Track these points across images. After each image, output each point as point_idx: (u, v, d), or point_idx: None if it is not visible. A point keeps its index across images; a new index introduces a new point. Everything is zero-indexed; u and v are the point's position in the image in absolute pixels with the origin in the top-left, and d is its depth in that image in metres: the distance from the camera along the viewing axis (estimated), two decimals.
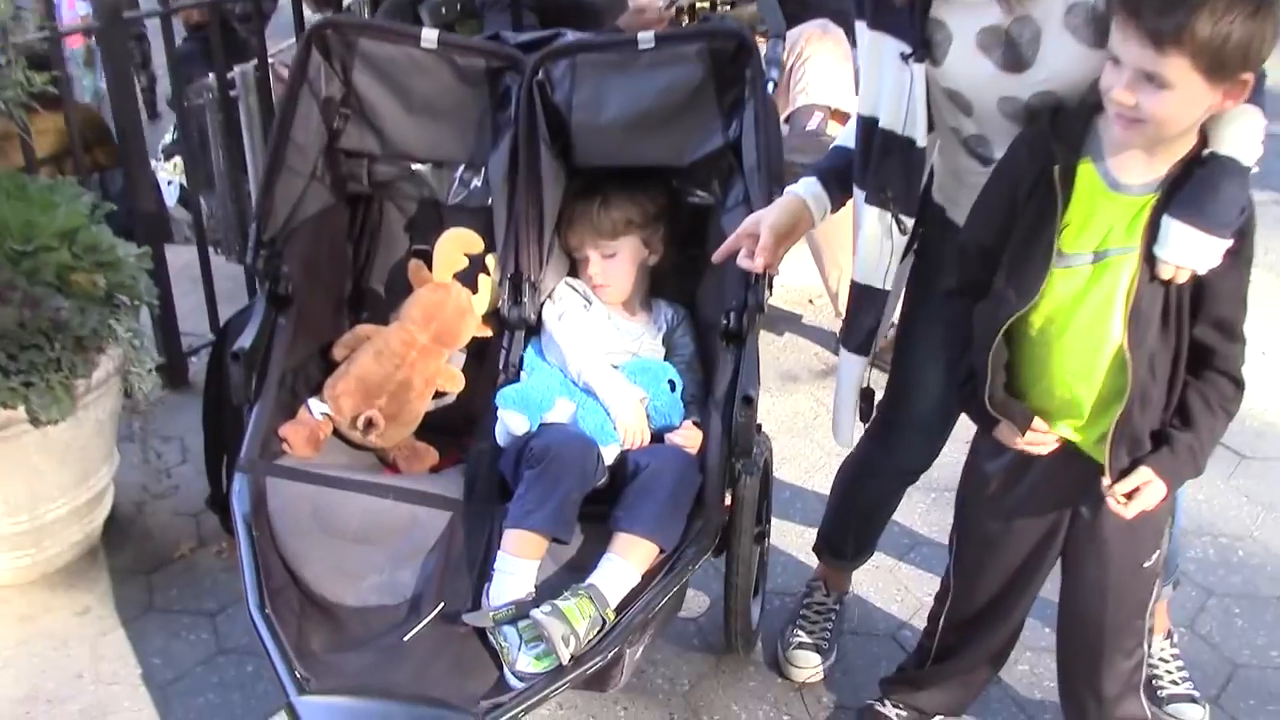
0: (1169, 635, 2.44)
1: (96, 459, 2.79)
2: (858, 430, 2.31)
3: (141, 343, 2.75)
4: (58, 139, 4.57)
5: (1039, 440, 1.89)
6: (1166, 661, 2.40)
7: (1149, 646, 2.13)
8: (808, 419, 3.45)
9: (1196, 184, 1.71)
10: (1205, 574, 2.78)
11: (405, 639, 1.99)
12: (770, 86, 2.32)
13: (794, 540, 2.89)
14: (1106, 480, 1.83)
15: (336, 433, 2.31)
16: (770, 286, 2.17)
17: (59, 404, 2.53)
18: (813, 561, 2.70)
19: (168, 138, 5.67)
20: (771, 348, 3.80)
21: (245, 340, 2.21)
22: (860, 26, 1.95)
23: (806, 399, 3.55)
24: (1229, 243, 1.71)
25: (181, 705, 2.44)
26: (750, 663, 2.55)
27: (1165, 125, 1.66)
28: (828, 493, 2.61)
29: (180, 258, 3.65)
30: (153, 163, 4.92)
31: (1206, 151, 1.72)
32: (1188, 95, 1.63)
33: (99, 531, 2.89)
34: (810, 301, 4.04)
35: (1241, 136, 1.72)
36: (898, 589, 2.77)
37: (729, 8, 3.92)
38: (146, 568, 2.84)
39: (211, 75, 3.76)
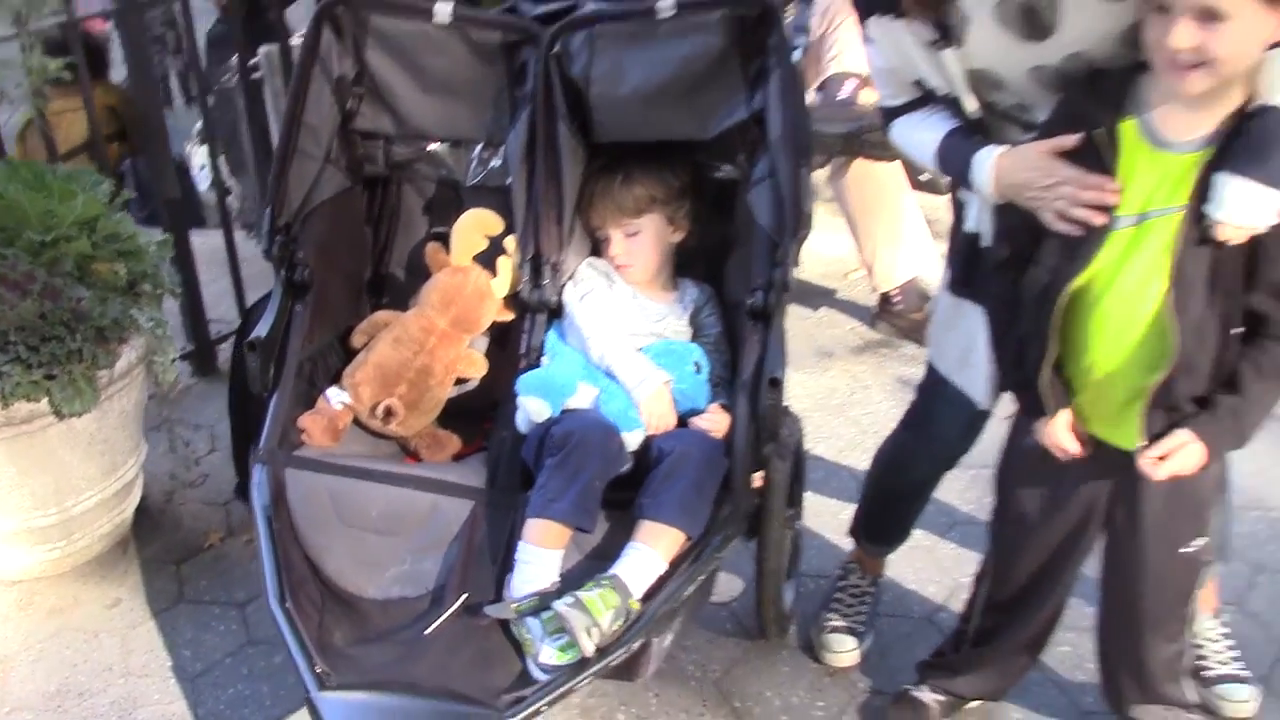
0: (1216, 614, 2.35)
1: (123, 450, 2.76)
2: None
3: (164, 331, 2.72)
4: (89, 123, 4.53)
5: (1062, 443, 1.83)
6: (1214, 641, 2.31)
7: (1195, 627, 2.06)
8: (843, 396, 3.37)
9: (1254, 137, 1.63)
10: (1256, 549, 2.69)
11: (427, 632, 1.95)
12: (798, 53, 2.23)
13: (828, 521, 2.83)
14: (1141, 442, 1.76)
15: (357, 422, 2.26)
16: (797, 261, 2.08)
17: (82, 396, 2.51)
18: (848, 543, 2.64)
19: (202, 121, 5.70)
20: (805, 323, 3.72)
21: (261, 329, 2.17)
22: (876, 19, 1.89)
23: (841, 376, 3.47)
24: None
25: (211, 697, 2.42)
26: (784, 647, 2.50)
27: (1230, 62, 1.58)
28: (863, 471, 2.54)
29: (211, 243, 3.61)
30: (188, 146, 4.95)
31: (1256, 104, 1.64)
32: (1247, 25, 1.56)
33: (129, 522, 2.88)
34: (845, 276, 3.96)
35: None
36: (935, 570, 2.70)
37: None
38: (176, 558, 2.83)
39: (236, 57, 3.72)
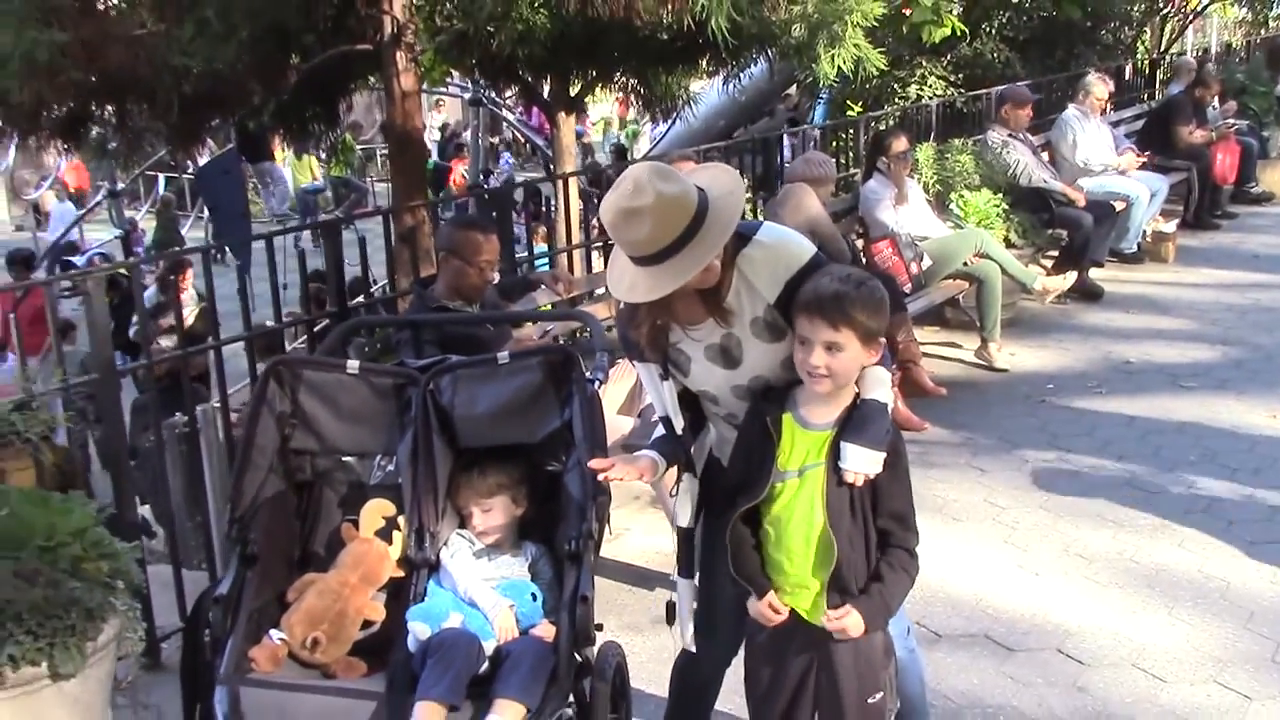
0: None
1: (96, 713, 3.50)
2: None
3: (135, 613, 3.54)
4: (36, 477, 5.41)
5: (768, 613, 2.76)
6: None
7: None
8: (673, 652, 4.23)
9: (858, 419, 2.70)
10: None
11: None
12: (596, 385, 3.28)
13: None
14: (826, 612, 2.71)
15: (291, 655, 3.09)
16: (598, 520, 3.05)
17: (73, 660, 3.29)
18: None
19: None
20: (645, 599, 4.64)
21: (222, 589, 3.03)
22: (636, 362, 2.94)
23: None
24: (884, 454, 2.67)
25: None
26: None
27: (843, 375, 2.67)
28: None
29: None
30: None
31: (860, 400, 2.72)
32: (853, 355, 2.65)
33: None
34: None
35: (879, 389, 2.72)
36: None
37: (589, 335, 5.01)
38: None
39: (179, 414, 4.70)
